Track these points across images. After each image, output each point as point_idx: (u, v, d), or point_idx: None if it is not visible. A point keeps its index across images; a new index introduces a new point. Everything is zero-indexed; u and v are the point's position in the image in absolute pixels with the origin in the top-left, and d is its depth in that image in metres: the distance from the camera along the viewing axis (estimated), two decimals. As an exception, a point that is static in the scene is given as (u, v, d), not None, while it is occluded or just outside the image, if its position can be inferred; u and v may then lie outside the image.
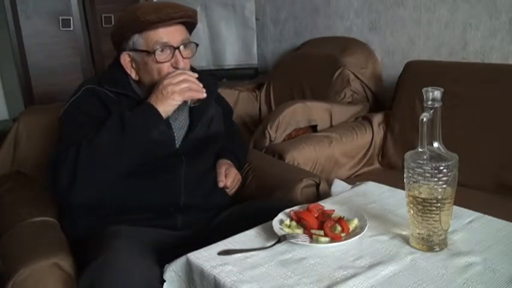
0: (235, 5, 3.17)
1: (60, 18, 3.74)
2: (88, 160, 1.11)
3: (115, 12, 3.80)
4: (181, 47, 1.24)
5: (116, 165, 1.16)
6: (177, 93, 1.17)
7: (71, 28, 3.81)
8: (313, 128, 2.17)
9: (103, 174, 1.15)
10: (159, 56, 1.22)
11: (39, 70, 3.67)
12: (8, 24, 3.63)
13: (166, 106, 1.18)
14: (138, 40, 1.24)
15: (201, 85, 1.20)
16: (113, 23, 3.79)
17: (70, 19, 3.79)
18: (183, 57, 1.25)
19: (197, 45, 1.30)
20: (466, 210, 1.13)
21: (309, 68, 2.59)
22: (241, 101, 2.75)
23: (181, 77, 1.18)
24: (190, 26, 1.31)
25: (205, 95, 1.21)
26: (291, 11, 3.03)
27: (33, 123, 1.58)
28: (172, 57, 1.24)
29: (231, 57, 3.26)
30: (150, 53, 1.22)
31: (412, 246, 0.98)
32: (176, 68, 1.24)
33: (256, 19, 3.18)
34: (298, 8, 2.98)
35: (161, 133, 1.22)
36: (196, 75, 1.21)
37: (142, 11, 1.21)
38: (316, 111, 2.17)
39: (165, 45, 1.23)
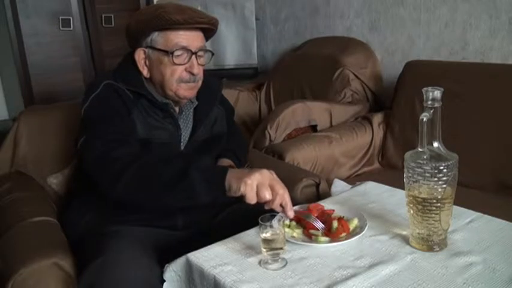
0: (235, 5, 3.17)
1: (60, 18, 3.73)
2: (133, 183, 1.07)
3: (115, 12, 3.80)
4: (199, 53, 1.25)
5: (155, 198, 1.09)
6: (257, 188, 0.98)
7: (71, 28, 3.80)
8: (313, 128, 2.18)
9: (143, 196, 1.10)
10: (177, 58, 1.22)
11: (39, 70, 3.66)
12: (7, 23, 3.62)
13: (233, 182, 1.00)
14: (157, 38, 1.23)
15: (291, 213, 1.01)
16: (113, 23, 3.80)
17: (70, 19, 3.78)
18: (198, 63, 1.25)
19: (213, 54, 1.31)
20: (466, 210, 1.13)
21: (309, 68, 2.59)
22: (241, 101, 2.75)
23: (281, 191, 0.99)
24: (208, 34, 1.31)
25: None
26: (291, 11, 3.03)
27: (33, 123, 1.58)
28: (188, 61, 1.24)
29: (231, 57, 3.25)
30: (168, 53, 1.22)
31: (412, 246, 0.98)
32: (190, 72, 1.24)
33: (256, 19, 3.18)
34: (298, 8, 2.97)
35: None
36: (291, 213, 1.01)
37: (167, 10, 1.20)
38: (316, 111, 2.17)
39: (184, 49, 1.23)
